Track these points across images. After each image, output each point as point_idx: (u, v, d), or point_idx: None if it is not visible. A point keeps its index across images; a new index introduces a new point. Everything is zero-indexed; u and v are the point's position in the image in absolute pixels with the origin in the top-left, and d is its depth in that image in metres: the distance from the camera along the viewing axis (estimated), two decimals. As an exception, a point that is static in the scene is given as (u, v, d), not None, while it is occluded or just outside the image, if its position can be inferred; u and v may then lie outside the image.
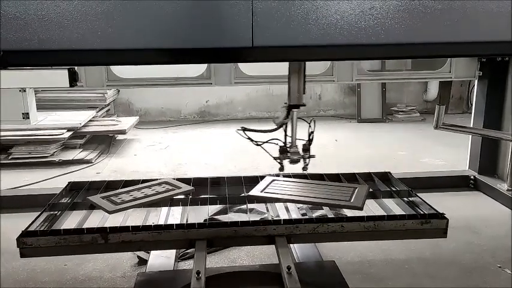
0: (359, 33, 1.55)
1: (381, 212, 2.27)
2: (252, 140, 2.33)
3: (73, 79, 2.22)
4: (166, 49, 1.56)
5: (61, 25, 1.47)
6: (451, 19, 1.60)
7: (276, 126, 2.33)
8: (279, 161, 2.35)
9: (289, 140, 2.33)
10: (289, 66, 2.18)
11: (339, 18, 1.54)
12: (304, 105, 2.26)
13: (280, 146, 2.34)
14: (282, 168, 2.36)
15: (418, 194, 2.40)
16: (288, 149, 2.33)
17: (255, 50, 1.54)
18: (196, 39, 1.52)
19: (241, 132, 2.33)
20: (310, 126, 2.31)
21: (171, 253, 2.56)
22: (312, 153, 2.36)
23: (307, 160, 2.34)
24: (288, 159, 2.33)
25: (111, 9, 1.48)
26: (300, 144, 2.34)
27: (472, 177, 3.79)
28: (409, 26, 1.57)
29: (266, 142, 2.34)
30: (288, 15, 1.52)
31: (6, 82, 2.25)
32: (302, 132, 2.33)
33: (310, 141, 2.33)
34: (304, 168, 2.35)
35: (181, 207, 2.51)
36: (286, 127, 2.32)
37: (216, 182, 2.69)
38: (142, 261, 2.57)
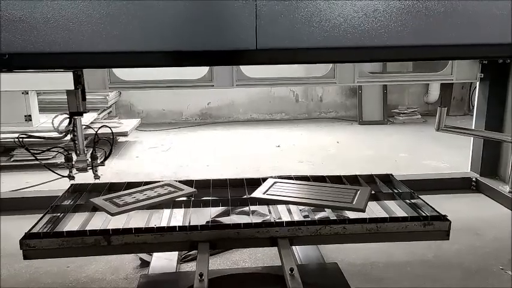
0: (362, 36, 1.56)
1: (383, 214, 2.27)
2: (28, 150, 2.30)
3: (78, 81, 2.23)
4: (170, 52, 1.57)
5: (66, 28, 1.48)
6: (454, 22, 1.61)
7: (61, 134, 2.30)
8: (68, 169, 2.33)
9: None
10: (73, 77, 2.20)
11: (342, 20, 1.55)
12: (85, 111, 2.28)
13: (65, 155, 2.31)
14: (71, 177, 2.33)
15: (420, 196, 2.40)
16: (76, 156, 2.31)
17: (259, 52, 1.55)
18: (201, 42, 1.53)
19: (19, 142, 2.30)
20: (96, 133, 2.29)
21: (174, 255, 2.56)
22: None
23: (97, 168, 2.32)
24: (75, 168, 2.32)
25: (115, 12, 1.49)
26: (89, 153, 2.34)
27: (473, 179, 3.79)
28: (412, 29, 1.58)
29: (49, 150, 2.32)
30: (291, 18, 1.53)
31: (11, 84, 2.25)
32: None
33: (95, 150, 2.31)
34: (96, 177, 2.33)
35: (183, 209, 2.51)
36: (73, 135, 2.29)
37: (218, 184, 2.69)
38: (145, 263, 2.57)
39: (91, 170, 2.33)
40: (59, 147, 2.28)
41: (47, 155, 4.67)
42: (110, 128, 2.37)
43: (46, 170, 4.45)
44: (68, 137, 2.28)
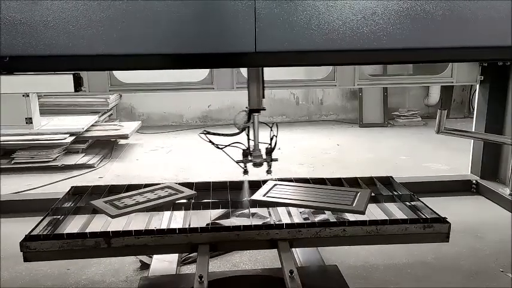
0: (361, 39, 1.56)
1: (383, 217, 2.27)
2: (213, 144, 2.34)
3: (78, 84, 2.24)
4: (170, 54, 1.57)
5: (66, 30, 1.49)
6: (453, 24, 1.61)
7: (239, 130, 2.34)
8: (242, 164, 2.36)
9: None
10: (248, 72, 2.22)
11: (341, 23, 1.55)
12: (264, 109, 2.30)
13: (243, 150, 2.35)
14: (246, 172, 2.38)
15: (420, 199, 2.40)
16: (251, 152, 2.34)
17: (258, 55, 1.55)
18: (200, 45, 1.53)
19: (203, 136, 2.34)
20: (271, 130, 2.31)
21: (174, 257, 2.56)
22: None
23: (271, 163, 2.36)
24: (251, 163, 2.34)
25: (115, 15, 1.50)
26: (263, 148, 2.36)
27: (474, 181, 3.79)
28: (411, 31, 1.59)
29: (228, 146, 2.35)
30: (290, 21, 1.53)
31: (11, 87, 2.26)
32: (265, 137, 2.36)
33: (272, 144, 2.35)
34: (268, 172, 2.37)
35: (183, 211, 2.52)
36: (248, 131, 2.33)
37: (219, 186, 2.69)
38: (145, 266, 2.58)
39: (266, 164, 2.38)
40: (239, 142, 2.34)
41: (48, 157, 4.69)
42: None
43: (47, 172, 4.47)
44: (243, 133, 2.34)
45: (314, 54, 1.59)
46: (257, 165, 2.35)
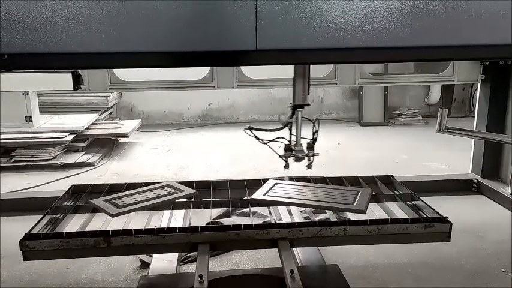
0: (363, 37, 1.55)
1: (384, 216, 2.26)
2: (258, 139, 2.38)
3: (77, 82, 2.23)
4: (170, 52, 1.56)
5: (65, 28, 1.48)
6: (455, 22, 1.60)
7: (282, 126, 2.37)
8: (284, 158, 2.39)
9: (294, 138, 2.38)
10: (294, 69, 2.23)
11: (343, 21, 1.54)
12: (308, 105, 2.33)
13: (285, 144, 2.39)
14: (287, 166, 2.41)
15: (421, 198, 2.39)
16: (293, 147, 2.37)
17: (259, 53, 1.54)
18: (201, 43, 1.52)
19: (248, 131, 2.40)
20: (314, 125, 2.33)
21: (174, 256, 2.56)
22: (314, 156, 2.38)
23: (311, 158, 2.38)
24: (293, 157, 2.38)
25: (115, 12, 1.48)
26: (304, 143, 2.39)
27: (475, 180, 3.78)
28: (413, 29, 1.57)
29: (272, 140, 2.37)
30: (291, 19, 1.52)
31: (10, 85, 2.25)
32: (306, 132, 2.38)
33: (314, 140, 2.39)
34: (309, 166, 2.40)
35: (183, 210, 2.51)
36: (291, 126, 2.38)
37: (219, 185, 2.69)
38: (145, 265, 2.57)
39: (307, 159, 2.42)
40: (282, 137, 2.42)
41: (48, 155, 4.68)
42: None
43: (46, 170, 4.46)
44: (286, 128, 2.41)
45: (315, 52, 1.58)
46: (299, 159, 2.38)
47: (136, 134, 6.18)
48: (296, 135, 2.37)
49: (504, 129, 3.65)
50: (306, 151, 2.38)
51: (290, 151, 2.38)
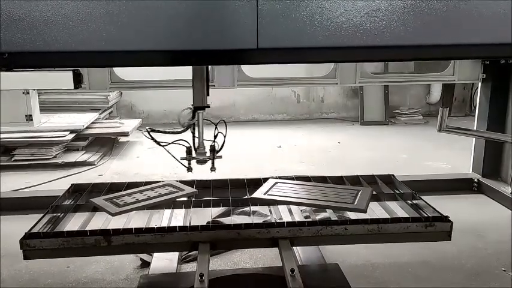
0: (364, 35, 1.55)
1: (384, 215, 2.26)
2: (156, 141, 2.36)
3: (78, 81, 2.23)
4: (171, 51, 1.56)
5: (66, 27, 1.47)
6: (456, 21, 1.60)
7: (183, 128, 2.37)
8: (186, 161, 2.39)
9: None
10: (192, 70, 2.25)
11: (344, 20, 1.54)
12: (208, 106, 2.34)
13: (187, 147, 2.38)
14: (190, 169, 2.40)
15: (421, 197, 2.39)
16: (195, 149, 2.38)
17: (260, 51, 1.54)
18: (201, 41, 1.52)
19: (146, 133, 2.36)
20: (216, 128, 2.34)
21: (174, 256, 2.55)
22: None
23: (213, 161, 2.40)
24: (195, 160, 2.38)
25: (115, 11, 1.48)
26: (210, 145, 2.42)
27: (475, 180, 3.77)
28: (414, 28, 1.57)
29: (172, 143, 2.36)
30: (293, 17, 1.52)
31: (11, 83, 2.25)
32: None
33: (216, 142, 2.38)
34: (212, 169, 2.40)
35: (184, 209, 2.51)
36: (193, 129, 2.37)
37: (219, 184, 2.68)
38: (145, 264, 2.57)
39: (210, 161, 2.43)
40: (184, 140, 2.38)
41: (48, 154, 4.68)
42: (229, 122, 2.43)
43: (47, 169, 4.46)
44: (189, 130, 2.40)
45: (317, 51, 1.58)
46: (201, 162, 2.38)
47: (136, 133, 6.17)
48: (198, 137, 2.36)
49: (505, 129, 3.65)
50: (208, 153, 2.38)
51: (191, 154, 2.37)
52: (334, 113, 7.51)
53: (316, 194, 2.41)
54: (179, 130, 2.36)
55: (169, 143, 2.34)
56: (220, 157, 2.40)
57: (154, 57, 1.60)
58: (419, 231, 2.12)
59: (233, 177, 2.75)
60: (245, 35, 1.52)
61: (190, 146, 2.38)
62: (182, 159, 2.40)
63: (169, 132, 2.34)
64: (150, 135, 2.33)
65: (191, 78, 2.33)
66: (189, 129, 2.37)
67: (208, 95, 2.32)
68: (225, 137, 2.37)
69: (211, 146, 2.39)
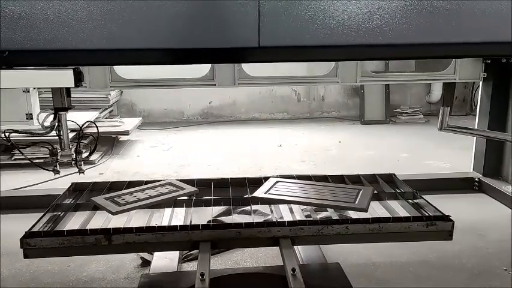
0: (367, 34, 1.55)
1: (385, 214, 2.25)
2: (12, 144, 2.34)
3: (78, 79, 2.24)
4: (172, 49, 1.56)
5: (66, 25, 1.47)
6: (458, 20, 1.60)
7: (47, 129, 2.34)
8: (52, 165, 2.38)
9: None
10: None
11: (346, 18, 1.54)
12: (70, 107, 2.32)
13: (50, 149, 2.36)
14: (56, 171, 2.40)
15: (423, 196, 2.38)
16: (59, 151, 2.36)
17: (261, 50, 1.54)
18: (203, 40, 1.52)
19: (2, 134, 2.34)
20: (81, 130, 2.35)
21: (175, 255, 2.55)
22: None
23: (81, 163, 2.40)
24: (59, 162, 2.38)
25: (116, 9, 1.48)
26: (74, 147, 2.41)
27: (476, 179, 3.77)
28: (417, 26, 1.57)
29: (31, 145, 2.35)
30: (294, 16, 1.51)
31: (10, 82, 2.24)
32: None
33: (80, 143, 2.38)
34: (80, 171, 2.38)
35: (184, 208, 2.50)
36: (59, 130, 2.33)
37: (220, 183, 2.68)
38: (146, 263, 2.56)
39: (75, 165, 2.37)
40: (45, 142, 2.32)
41: (44, 152, 4.67)
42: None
43: (47, 168, 4.46)
44: (54, 132, 2.35)
45: (318, 49, 1.57)
46: (66, 164, 2.37)
47: (137, 132, 6.18)
48: (63, 139, 2.34)
49: (506, 128, 3.64)
50: (73, 155, 2.38)
51: (55, 155, 2.35)
52: (335, 112, 7.50)
53: (317, 193, 2.41)
54: (42, 132, 2.33)
55: (28, 146, 2.34)
56: (87, 159, 2.41)
57: (156, 56, 1.59)
58: (420, 231, 2.12)
59: (234, 176, 2.74)
60: (247, 33, 1.52)
61: (55, 148, 2.34)
62: (46, 161, 2.39)
63: (31, 133, 2.32)
64: (7, 138, 2.29)
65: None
66: (54, 131, 2.34)
67: (69, 96, 2.31)
68: (96, 139, 2.34)
69: (76, 148, 2.37)
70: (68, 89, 2.28)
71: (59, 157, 2.34)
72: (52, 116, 2.31)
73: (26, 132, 2.30)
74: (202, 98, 7.27)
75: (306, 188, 2.49)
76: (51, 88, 2.25)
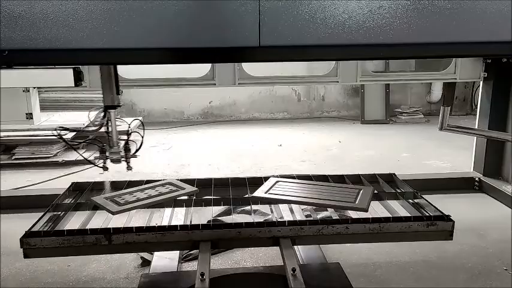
0: (367, 33, 1.54)
1: (386, 214, 2.25)
2: (65, 141, 2.35)
3: (78, 78, 2.24)
4: (172, 48, 1.55)
5: (66, 24, 1.47)
6: (459, 19, 1.59)
7: (96, 127, 2.36)
8: (101, 161, 2.39)
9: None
10: (100, 70, 2.26)
11: (346, 17, 1.53)
12: (119, 105, 2.34)
13: (100, 146, 2.38)
14: (105, 168, 2.40)
15: (423, 196, 2.38)
16: (109, 149, 2.38)
17: (262, 49, 1.53)
18: (203, 39, 1.51)
19: (55, 132, 2.36)
20: (129, 126, 2.35)
21: (175, 254, 2.55)
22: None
23: (129, 160, 2.40)
24: (109, 159, 2.39)
25: (116, 9, 1.47)
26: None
27: (476, 179, 3.77)
28: (417, 26, 1.56)
29: (84, 142, 2.39)
30: (295, 15, 1.51)
31: (11, 81, 2.24)
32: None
33: (129, 140, 2.39)
34: (128, 168, 2.40)
35: (185, 208, 2.50)
36: (107, 128, 2.36)
37: (220, 183, 2.67)
38: (146, 263, 2.56)
39: (124, 161, 2.44)
40: (92, 139, 2.40)
41: (48, 152, 4.68)
42: (141, 121, 2.54)
43: (47, 168, 4.46)
44: (103, 129, 2.37)
45: (319, 49, 1.57)
46: (115, 161, 2.38)
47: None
48: (112, 136, 2.36)
49: (506, 127, 3.64)
50: (123, 153, 2.38)
51: (105, 153, 2.37)
52: (335, 111, 7.50)
53: (317, 193, 2.40)
54: (92, 129, 2.35)
55: (81, 142, 2.34)
56: (135, 156, 2.40)
57: (156, 55, 1.59)
58: (420, 231, 2.12)
59: (234, 176, 2.74)
60: (247, 32, 1.51)
61: (104, 145, 2.36)
62: (96, 158, 2.38)
63: (82, 131, 2.34)
64: (60, 135, 2.31)
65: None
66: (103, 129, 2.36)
67: (118, 93, 2.32)
68: (142, 137, 2.35)
69: (125, 145, 2.38)
70: (117, 87, 2.31)
71: (107, 154, 2.37)
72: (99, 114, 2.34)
73: (75, 130, 2.32)
74: (202, 98, 7.27)
75: (306, 188, 2.48)
76: (102, 86, 2.27)
